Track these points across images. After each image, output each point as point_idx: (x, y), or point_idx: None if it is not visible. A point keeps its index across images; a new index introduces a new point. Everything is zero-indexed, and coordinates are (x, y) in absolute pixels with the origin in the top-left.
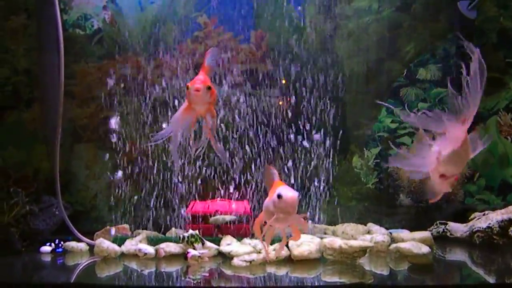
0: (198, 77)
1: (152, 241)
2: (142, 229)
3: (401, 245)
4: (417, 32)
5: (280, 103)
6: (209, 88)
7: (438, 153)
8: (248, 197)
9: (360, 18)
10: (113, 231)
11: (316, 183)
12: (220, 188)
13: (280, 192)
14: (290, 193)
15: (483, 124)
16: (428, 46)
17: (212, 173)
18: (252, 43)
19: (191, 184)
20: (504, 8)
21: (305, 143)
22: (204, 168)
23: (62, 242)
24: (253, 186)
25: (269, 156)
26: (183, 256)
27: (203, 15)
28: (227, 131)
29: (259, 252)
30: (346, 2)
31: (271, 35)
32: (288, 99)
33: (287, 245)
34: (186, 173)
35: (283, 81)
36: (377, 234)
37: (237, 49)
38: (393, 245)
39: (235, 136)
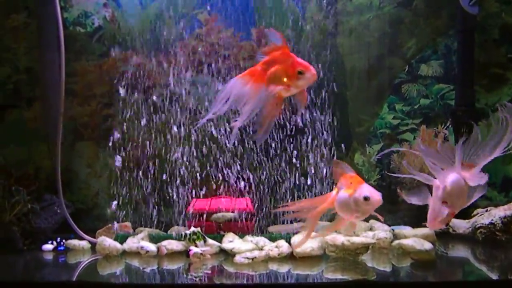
0: (300, 61)
1: (154, 239)
2: (144, 227)
3: (404, 241)
4: (419, 28)
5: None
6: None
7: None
8: (250, 194)
9: (362, 14)
10: (116, 226)
11: (318, 180)
12: (222, 185)
13: (367, 194)
14: (377, 196)
15: (485, 120)
16: (430, 42)
17: (214, 170)
18: (253, 40)
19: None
20: (506, 4)
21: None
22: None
23: (64, 240)
24: (255, 183)
25: (270, 153)
26: (185, 253)
27: (204, 12)
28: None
29: (261, 249)
30: None
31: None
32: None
33: (289, 242)
34: (188, 170)
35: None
36: (380, 231)
37: (238, 46)
38: (396, 242)
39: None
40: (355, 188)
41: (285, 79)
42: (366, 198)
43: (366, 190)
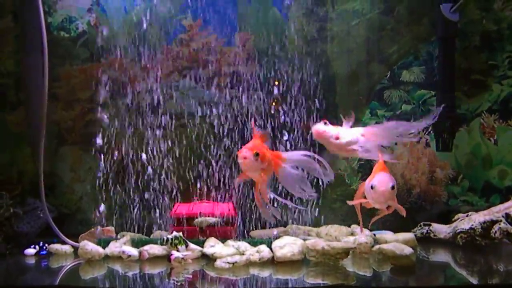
0: (247, 145)
1: (136, 243)
2: (127, 231)
3: (384, 246)
4: (401, 34)
5: (275, 103)
6: (257, 154)
7: None
8: (232, 199)
9: (345, 20)
10: (98, 230)
11: None
12: (204, 190)
13: (374, 183)
14: (382, 187)
15: (467, 126)
16: (412, 48)
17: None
18: (236, 45)
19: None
20: (487, 11)
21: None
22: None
23: (46, 245)
24: (237, 188)
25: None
26: (167, 258)
27: (188, 18)
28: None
29: (242, 254)
30: (330, 5)
31: (255, 37)
32: (272, 101)
33: (270, 247)
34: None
35: (276, 82)
36: (361, 236)
37: (222, 51)
38: (376, 247)
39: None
40: (373, 176)
41: None
42: (372, 187)
43: (376, 179)
